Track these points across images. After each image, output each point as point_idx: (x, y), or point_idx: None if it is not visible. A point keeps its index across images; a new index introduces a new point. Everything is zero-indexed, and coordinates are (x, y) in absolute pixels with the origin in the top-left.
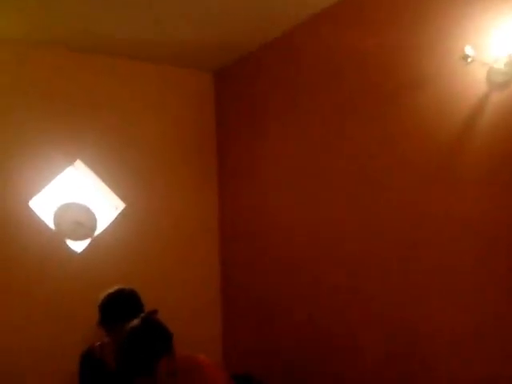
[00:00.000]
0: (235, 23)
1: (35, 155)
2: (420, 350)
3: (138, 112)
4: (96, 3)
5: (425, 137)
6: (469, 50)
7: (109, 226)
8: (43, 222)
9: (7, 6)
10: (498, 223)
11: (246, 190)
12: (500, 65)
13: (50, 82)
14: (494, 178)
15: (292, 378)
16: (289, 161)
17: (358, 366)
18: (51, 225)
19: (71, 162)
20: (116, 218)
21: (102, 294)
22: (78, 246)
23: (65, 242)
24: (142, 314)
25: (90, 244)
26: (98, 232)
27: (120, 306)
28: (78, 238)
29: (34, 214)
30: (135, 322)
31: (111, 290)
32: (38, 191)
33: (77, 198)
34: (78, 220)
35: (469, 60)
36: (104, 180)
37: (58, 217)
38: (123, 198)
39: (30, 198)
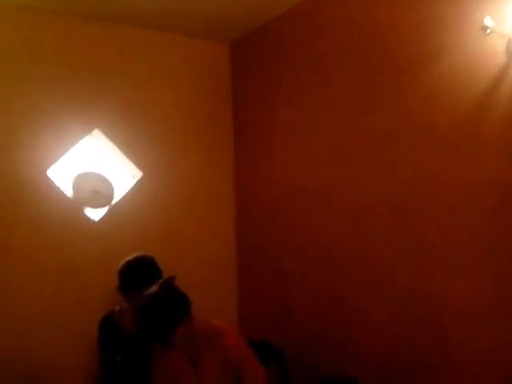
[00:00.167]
0: None
1: (52, 124)
2: (432, 317)
3: (154, 82)
4: None
5: (445, 108)
6: (488, 21)
7: (126, 195)
8: (61, 190)
9: None
10: None
11: (262, 158)
12: None
13: (66, 51)
14: None
15: (307, 344)
16: (305, 129)
17: (373, 332)
18: (69, 194)
19: (89, 132)
20: (133, 187)
21: (122, 261)
22: (96, 214)
23: (83, 211)
24: (161, 280)
25: (108, 212)
26: (115, 201)
27: (139, 273)
28: (95, 206)
29: (52, 183)
30: (154, 288)
31: (130, 257)
32: (56, 160)
33: (94, 167)
34: (96, 189)
35: (488, 31)
36: (121, 149)
37: (75, 186)
38: (140, 167)
39: (48, 167)
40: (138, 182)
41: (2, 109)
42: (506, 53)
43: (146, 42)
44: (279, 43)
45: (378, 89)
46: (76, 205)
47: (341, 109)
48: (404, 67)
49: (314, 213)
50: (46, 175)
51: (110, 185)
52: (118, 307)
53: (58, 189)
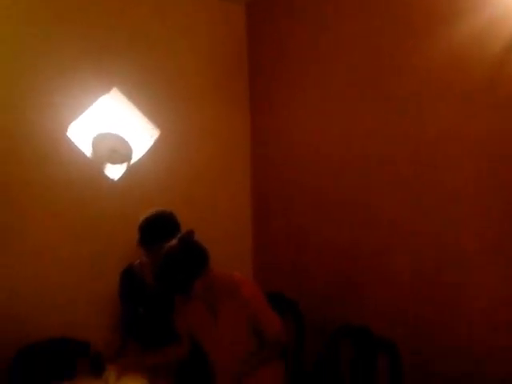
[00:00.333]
0: None
1: (72, 82)
2: (452, 270)
3: (171, 42)
4: None
5: (466, 65)
6: None
7: (145, 154)
8: (80, 149)
9: None
10: None
11: (278, 114)
12: None
13: (86, 10)
14: None
15: (321, 298)
16: (322, 88)
17: (388, 283)
18: (88, 153)
19: (107, 91)
20: (152, 146)
21: (142, 216)
22: (115, 173)
23: (103, 170)
24: (179, 235)
25: (127, 171)
26: (133, 160)
27: (158, 228)
28: (114, 163)
29: (72, 142)
30: (173, 242)
31: (150, 213)
32: (75, 119)
33: (113, 126)
34: (114, 148)
35: None
36: (139, 108)
37: (94, 144)
38: (158, 126)
39: (67, 126)
40: (156, 140)
41: (24, 68)
42: None
43: (162, 2)
44: (294, 3)
45: (398, 50)
46: (96, 163)
47: (360, 71)
48: (425, 27)
49: (329, 168)
50: (65, 134)
51: (128, 145)
52: (138, 260)
53: (78, 148)
